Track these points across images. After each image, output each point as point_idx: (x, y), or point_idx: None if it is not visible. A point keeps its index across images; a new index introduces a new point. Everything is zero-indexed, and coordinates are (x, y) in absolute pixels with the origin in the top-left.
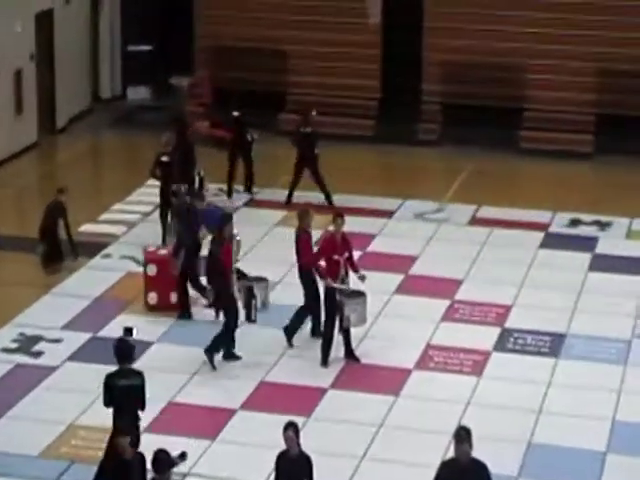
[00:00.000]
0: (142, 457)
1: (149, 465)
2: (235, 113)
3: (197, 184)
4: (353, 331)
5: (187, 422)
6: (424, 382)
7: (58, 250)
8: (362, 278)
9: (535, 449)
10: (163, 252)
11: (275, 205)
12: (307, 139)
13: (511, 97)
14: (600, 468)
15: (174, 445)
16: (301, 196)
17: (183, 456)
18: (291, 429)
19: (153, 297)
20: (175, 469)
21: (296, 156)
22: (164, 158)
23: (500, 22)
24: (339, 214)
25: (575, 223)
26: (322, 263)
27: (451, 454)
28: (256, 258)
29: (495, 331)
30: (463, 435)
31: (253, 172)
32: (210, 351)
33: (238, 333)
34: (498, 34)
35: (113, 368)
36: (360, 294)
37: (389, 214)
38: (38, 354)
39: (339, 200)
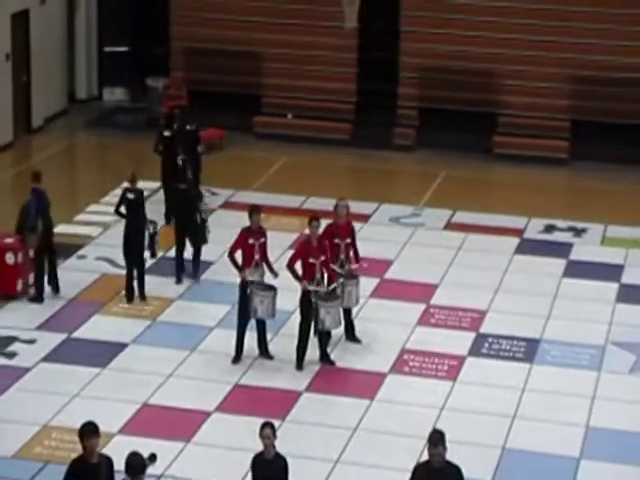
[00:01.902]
0: (109, 460)
1: (121, 468)
2: (166, 133)
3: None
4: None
5: (161, 424)
6: (399, 386)
7: None
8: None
9: (509, 454)
10: (8, 240)
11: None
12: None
13: (486, 102)
14: (573, 474)
15: (148, 447)
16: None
17: (153, 458)
18: (268, 428)
19: None
20: (147, 471)
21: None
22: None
23: (476, 28)
24: (315, 217)
25: (550, 229)
26: (298, 266)
27: (425, 458)
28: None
29: (470, 336)
30: (437, 438)
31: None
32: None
33: (214, 336)
34: (474, 40)
35: (88, 370)
36: (335, 297)
37: (365, 218)
38: (12, 355)
39: (315, 204)
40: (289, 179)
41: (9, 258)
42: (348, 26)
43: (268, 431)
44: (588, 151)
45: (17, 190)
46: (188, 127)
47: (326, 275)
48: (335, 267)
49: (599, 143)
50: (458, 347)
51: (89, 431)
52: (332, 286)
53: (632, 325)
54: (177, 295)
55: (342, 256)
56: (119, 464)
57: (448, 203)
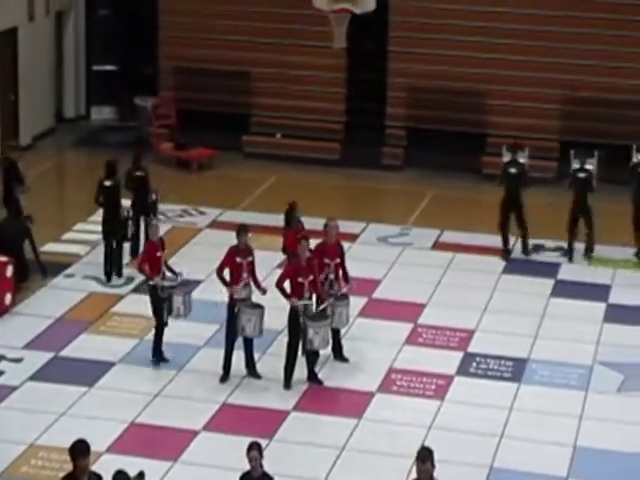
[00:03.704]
0: (99, 478)
1: None
2: (139, 173)
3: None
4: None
5: (149, 443)
6: (387, 405)
7: (25, 269)
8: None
9: (496, 473)
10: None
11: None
12: None
13: (475, 122)
14: None
15: (136, 466)
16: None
17: (141, 476)
18: (255, 449)
19: None
20: None
21: None
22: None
23: (465, 48)
24: (304, 236)
25: (537, 249)
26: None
27: (413, 477)
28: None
29: (458, 355)
30: (425, 454)
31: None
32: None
33: (201, 355)
34: (463, 60)
35: (75, 389)
36: (324, 317)
37: (353, 237)
38: None
39: (304, 223)
40: (278, 198)
41: None
42: (337, 46)
43: (254, 453)
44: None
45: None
46: (138, 173)
47: (315, 295)
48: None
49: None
50: (446, 366)
51: (82, 450)
52: (322, 306)
53: (620, 345)
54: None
55: (331, 276)
56: None
57: (436, 223)
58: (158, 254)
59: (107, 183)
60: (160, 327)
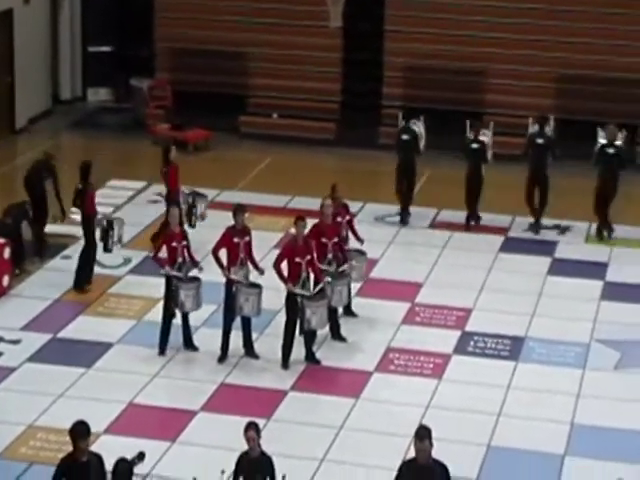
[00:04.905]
0: (99, 458)
1: (110, 471)
2: (79, 185)
3: None
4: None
5: (147, 424)
6: (384, 385)
7: (21, 251)
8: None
9: (494, 452)
10: None
11: None
12: None
13: (472, 102)
14: (558, 471)
15: (134, 447)
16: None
17: (141, 456)
18: (252, 429)
19: None
20: (135, 470)
21: None
22: None
23: (461, 27)
24: (300, 217)
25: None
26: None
27: (411, 456)
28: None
29: (455, 334)
30: (423, 433)
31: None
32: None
33: (199, 335)
34: (459, 39)
35: (73, 370)
36: (321, 297)
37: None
38: None
39: (300, 203)
40: (274, 179)
41: None
42: (333, 25)
43: (252, 433)
44: (573, 150)
45: (0, 191)
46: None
47: (312, 275)
48: (323, 266)
49: (584, 142)
50: (443, 345)
51: (82, 431)
52: (319, 287)
53: (616, 323)
54: (162, 295)
55: (329, 255)
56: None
57: (433, 202)
58: (174, 244)
59: (80, 186)
60: (166, 317)
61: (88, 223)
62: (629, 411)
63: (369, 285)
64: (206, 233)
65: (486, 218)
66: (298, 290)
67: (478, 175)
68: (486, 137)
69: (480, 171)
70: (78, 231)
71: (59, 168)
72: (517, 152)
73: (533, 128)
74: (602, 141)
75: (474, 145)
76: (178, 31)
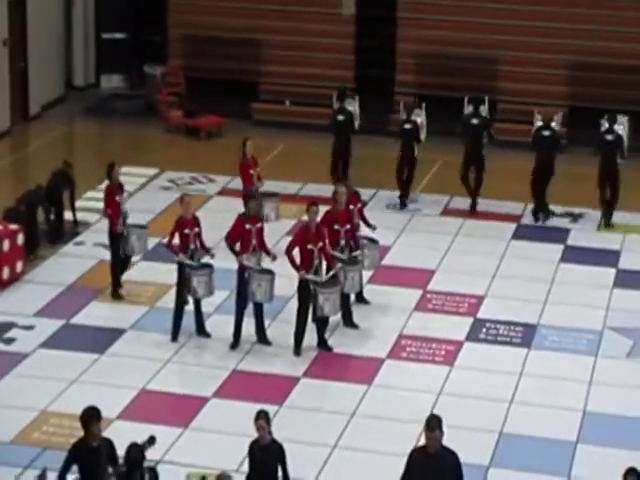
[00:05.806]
0: (110, 442)
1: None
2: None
3: None
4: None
5: (159, 410)
6: (396, 371)
7: (35, 237)
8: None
9: (506, 439)
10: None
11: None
12: None
13: (484, 88)
14: (570, 458)
15: (146, 432)
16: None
17: (152, 440)
18: (262, 418)
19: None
20: (146, 454)
21: None
22: None
23: (474, 14)
24: (313, 203)
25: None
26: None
27: (422, 443)
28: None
29: (467, 321)
30: (434, 422)
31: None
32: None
33: (211, 322)
34: (472, 26)
35: (86, 355)
36: (334, 283)
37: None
38: (10, 341)
39: (312, 190)
40: (287, 166)
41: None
42: (346, 13)
43: (261, 422)
44: (586, 137)
45: (14, 178)
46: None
47: (324, 262)
48: (336, 253)
49: (597, 129)
50: (455, 332)
51: (93, 416)
52: (331, 273)
53: (629, 310)
54: (174, 281)
55: (342, 242)
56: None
57: (445, 189)
58: (186, 231)
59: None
60: (179, 304)
61: (114, 239)
62: None
63: (381, 272)
64: (218, 219)
65: (498, 205)
66: (311, 277)
67: (411, 155)
68: (419, 117)
69: (413, 151)
70: (90, 217)
71: (73, 153)
72: (528, 139)
73: (467, 109)
74: (538, 124)
75: (407, 125)
76: (191, 18)
